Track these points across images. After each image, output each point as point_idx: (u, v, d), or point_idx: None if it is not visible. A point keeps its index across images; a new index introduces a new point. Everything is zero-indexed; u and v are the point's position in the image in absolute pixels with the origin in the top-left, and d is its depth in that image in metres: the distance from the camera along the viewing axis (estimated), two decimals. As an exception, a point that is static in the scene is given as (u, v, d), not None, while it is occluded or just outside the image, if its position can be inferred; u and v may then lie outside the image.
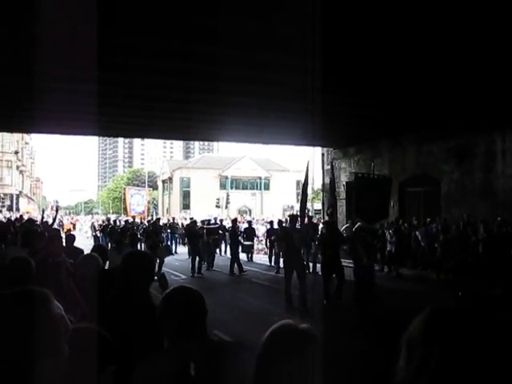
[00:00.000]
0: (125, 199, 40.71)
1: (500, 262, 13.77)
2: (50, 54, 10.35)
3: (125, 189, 42.37)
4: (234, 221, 23.13)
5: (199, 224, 22.16)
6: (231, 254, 20.65)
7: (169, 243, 27.32)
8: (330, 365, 1.91)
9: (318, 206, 40.13)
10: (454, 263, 15.16)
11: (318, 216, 33.93)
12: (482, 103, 16.03)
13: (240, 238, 22.90)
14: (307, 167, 15.51)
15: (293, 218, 14.73)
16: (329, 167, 28.20)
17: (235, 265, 19.55)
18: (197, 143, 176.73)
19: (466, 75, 12.98)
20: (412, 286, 15.55)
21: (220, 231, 23.64)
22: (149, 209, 38.58)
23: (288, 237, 13.15)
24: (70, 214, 59.40)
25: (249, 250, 24.00)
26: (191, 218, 25.83)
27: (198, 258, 19.35)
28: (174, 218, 34.99)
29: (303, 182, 15.19)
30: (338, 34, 10.00)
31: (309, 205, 49.62)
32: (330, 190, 19.06)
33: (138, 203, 38.11)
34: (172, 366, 2.55)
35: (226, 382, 2.52)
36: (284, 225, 17.85)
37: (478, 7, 8.96)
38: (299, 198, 52.68)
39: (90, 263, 4.98)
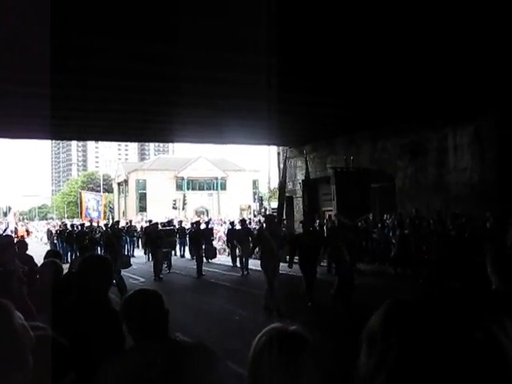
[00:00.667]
0: (81, 203, 40.08)
1: (458, 255, 14.05)
2: None
3: (81, 193, 41.70)
4: (197, 223, 23.10)
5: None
6: (196, 257, 20.61)
7: (127, 247, 26.95)
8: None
9: (275, 204, 40.19)
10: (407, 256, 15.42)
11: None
12: (434, 100, 16.32)
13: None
14: (284, 167, 15.48)
15: (269, 218, 14.22)
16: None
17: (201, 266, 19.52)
18: (152, 145, 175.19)
19: (419, 72, 13.19)
20: (371, 281, 15.72)
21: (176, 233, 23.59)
22: (105, 212, 38.00)
23: (265, 240, 12.20)
24: (23, 219, 58.16)
25: (214, 255, 23.62)
26: (150, 221, 25.47)
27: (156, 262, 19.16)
28: (130, 221, 34.65)
29: (279, 181, 15.16)
30: (294, 32, 10.04)
31: (266, 204, 49.88)
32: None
33: (93, 208, 37.57)
34: (134, 365, 2.60)
35: (186, 381, 2.55)
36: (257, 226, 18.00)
37: (434, 5, 9.14)
38: (255, 197, 52.04)
39: (48, 269, 4.90)
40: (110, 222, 30.48)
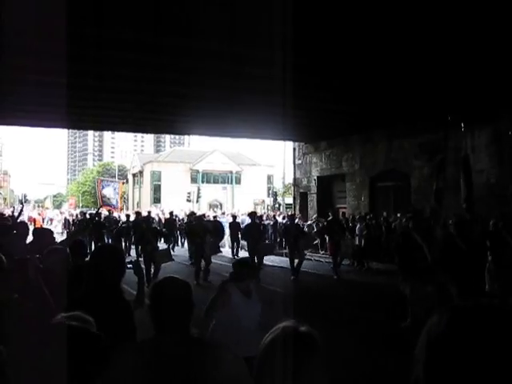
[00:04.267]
0: (99, 191, 40.15)
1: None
2: (17, 44, 10.13)
3: (98, 179, 41.85)
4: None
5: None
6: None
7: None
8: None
9: (289, 200, 40.16)
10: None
11: (288, 210, 34.01)
12: (452, 99, 16.16)
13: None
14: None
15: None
16: (300, 162, 28.33)
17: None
18: (168, 137, 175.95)
19: (438, 72, 13.06)
20: (379, 280, 15.59)
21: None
22: (122, 201, 38.13)
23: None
24: (39, 207, 58.70)
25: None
26: (193, 213, 22.42)
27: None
28: (149, 212, 32.79)
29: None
30: (310, 27, 9.97)
31: (280, 199, 49.86)
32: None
33: (109, 196, 37.55)
34: (147, 356, 2.55)
35: (200, 378, 2.49)
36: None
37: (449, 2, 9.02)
38: (270, 192, 52.35)
39: (55, 256, 4.84)
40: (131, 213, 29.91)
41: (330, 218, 18.23)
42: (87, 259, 4.48)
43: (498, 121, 17.15)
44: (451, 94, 15.54)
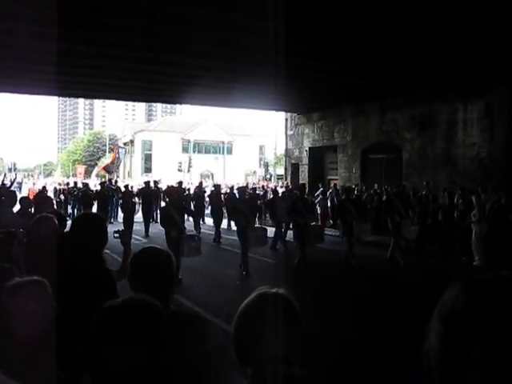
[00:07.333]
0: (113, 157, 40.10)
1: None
2: (6, 7, 9.95)
3: (114, 144, 41.54)
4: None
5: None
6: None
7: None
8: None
9: (281, 171, 40.17)
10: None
11: (280, 181, 33.98)
12: (446, 71, 16.11)
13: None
14: None
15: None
16: (292, 132, 28.26)
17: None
18: (159, 106, 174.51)
19: (431, 43, 12.97)
20: (368, 251, 15.66)
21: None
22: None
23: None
24: (28, 176, 58.25)
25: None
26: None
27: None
28: (180, 183, 29.95)
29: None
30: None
31: (271, 170, 49.84)
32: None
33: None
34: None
35: (177, 351, 2.49)
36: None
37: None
38: (261, 162, 52.25)
39: (45, 224, 4.79)
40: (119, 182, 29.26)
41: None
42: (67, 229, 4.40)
43: (490, 94, 17.13)
44: (444, 67, 15.48)
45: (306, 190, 15.99)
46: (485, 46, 13.14)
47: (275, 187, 28.03)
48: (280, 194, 19.55)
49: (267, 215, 22.59)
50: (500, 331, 1.04)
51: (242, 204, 13.55)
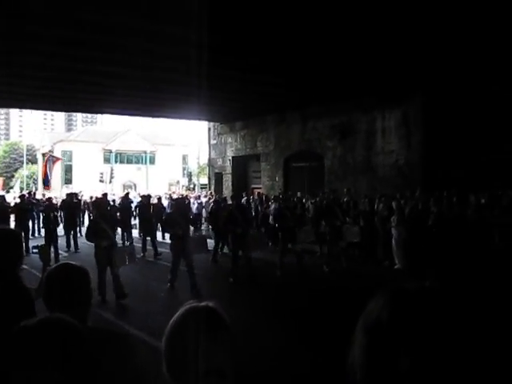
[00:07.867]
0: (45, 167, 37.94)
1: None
2: None
3: (47, 154, 39.40)
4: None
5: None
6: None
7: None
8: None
9: (204, 180, 40.05)
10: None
11: (203, 191, 33.79)
12: (364, 81, 16.52)
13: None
14: None
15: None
16: (215, 142, 28.27)
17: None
18: (80, 115, 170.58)
19: (351, 53, 13.29)
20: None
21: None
22: (29, 184, 36.56)
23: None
24: None
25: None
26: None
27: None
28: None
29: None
30: (225, 6, 9.88)
31: (195, 179, 49.60)
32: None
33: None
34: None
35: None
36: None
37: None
38: (185, 172, 51.74)
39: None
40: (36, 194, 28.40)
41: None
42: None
43: (406, 103, 17.72)
44: (362, 77, 15.87)
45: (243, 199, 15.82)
46: (401, 56, 13.55)
47: (219, 197, 27.75)
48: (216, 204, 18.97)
49: (203, 225, 22.56)
50: (426, 342, 1.07)
51: (175, 214, 12.65)
